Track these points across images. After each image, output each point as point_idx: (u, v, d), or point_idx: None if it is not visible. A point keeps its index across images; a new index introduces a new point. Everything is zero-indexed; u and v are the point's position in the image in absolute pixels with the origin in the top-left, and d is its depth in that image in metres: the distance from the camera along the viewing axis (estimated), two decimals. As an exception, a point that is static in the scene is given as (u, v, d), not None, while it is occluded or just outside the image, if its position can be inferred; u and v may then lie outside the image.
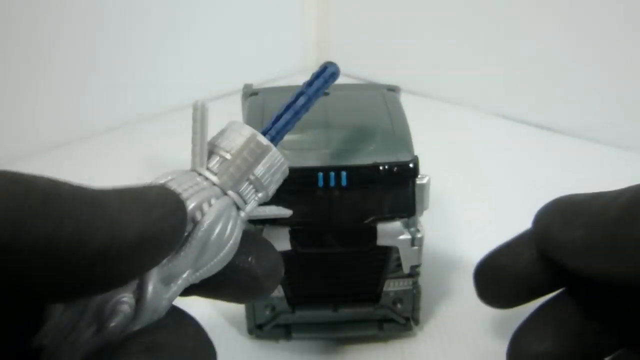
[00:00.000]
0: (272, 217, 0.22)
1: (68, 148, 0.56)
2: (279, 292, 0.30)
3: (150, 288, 0.17)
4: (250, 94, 0.32)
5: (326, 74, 0.24)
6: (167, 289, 0.18)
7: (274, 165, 0.21)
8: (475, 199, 0.46)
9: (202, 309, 0.34)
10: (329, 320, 0.31)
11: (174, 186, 0.18)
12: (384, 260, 0.30)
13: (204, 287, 0.19)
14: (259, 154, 0.20)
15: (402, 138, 0.28)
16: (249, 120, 0.30)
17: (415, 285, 0.31)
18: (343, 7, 0.75)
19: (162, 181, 0.19)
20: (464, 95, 0.65)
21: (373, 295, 0.31)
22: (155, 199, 0.16)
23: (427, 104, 0.66)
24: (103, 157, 0.55)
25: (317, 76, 0.24)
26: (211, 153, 0.20)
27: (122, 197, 0.16)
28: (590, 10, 0.54)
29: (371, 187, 0.27)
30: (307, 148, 0.27)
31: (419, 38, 0.68)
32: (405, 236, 0.28)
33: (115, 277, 0.16)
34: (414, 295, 0.31)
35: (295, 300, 0.31)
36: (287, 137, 0.28)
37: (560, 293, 0.26)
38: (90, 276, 0.15)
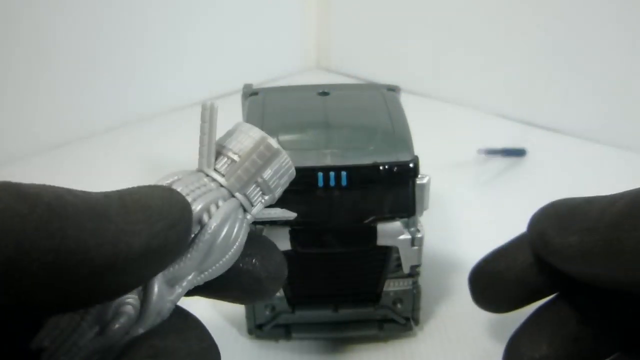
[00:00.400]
0: (277, 219, 0.22)
1: (68, 148, 0.56)
2: (279, 292, 0.30)
3: (155, 290, 0.17)
4: (250, 94, 0.32)
5: None
6: (172, 291, 0.18)
7: (281, 168, 0.21)
8: (475, 199, 0.46)
9: (202, 309, 0.34)
10: (329, 320, 0.31)
11: (180, 187, 0.18)
12: (384, 260, 0.30)
13: (207, 288, 0.19)
14: (269, 157, 0.20)
15: (402, 138, 0.28)
16: (249, 120, 0.30)
17: (415, 285, 0.31)
18: (343, 8, 0.75)
19: (168, 181, 0.19)
20: (464, 95, 0.65)
21: (373, 295, 0.31)
22: (160, 207, 0.16)
23: (427, 104, 0.66)
24: (103, 157, 0.55)
25: None
26: (218, 154, 0.20)
27: (126, 207, 0.16)
28: (590, 10, 0.54)
29: (371, 187, 0.27)
30: (307, 148, 0.27)
31: (419, 38, 0.68)
32: (405, 236, 0.28)
33: (120, 287, 0.16)
34: (414, 295, 0.31)
35: (295, 300, 0.31)
36: (287, 137, 0.28)
37: (556, 297, 0.26)
38: (95, 288, 0.15)
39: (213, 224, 0.18)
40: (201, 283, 0.19)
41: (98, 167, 0.52)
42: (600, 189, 0.23)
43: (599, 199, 0.22)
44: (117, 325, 0.16)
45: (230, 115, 0.41)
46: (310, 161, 0.27)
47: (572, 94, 0.57)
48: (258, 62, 0.72)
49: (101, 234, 0.14)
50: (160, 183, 0.19)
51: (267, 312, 0.31)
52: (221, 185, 0.19)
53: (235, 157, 0.20)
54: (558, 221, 0.23)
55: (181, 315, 0.19)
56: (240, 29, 0.70)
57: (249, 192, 0.20)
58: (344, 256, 0.29)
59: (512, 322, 0.33)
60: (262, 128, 0.28)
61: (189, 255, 0.18)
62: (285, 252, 0.28)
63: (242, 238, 0.19)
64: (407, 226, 0.28)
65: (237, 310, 0.32)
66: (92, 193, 0.15)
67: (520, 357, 0.25)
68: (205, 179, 0.19)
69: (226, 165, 0.20)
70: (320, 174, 0.26)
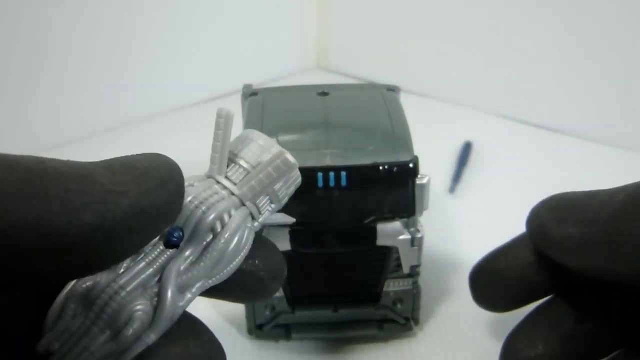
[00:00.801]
0: (277, 224, 0.22)
1: (68, 148, 0.56)
2: (279, 292, 0.30)
3: (168, 296, 0.17)
4: (250, 94, 0.32)
5: None
6: (182, 296, 0.18)
7: (291, 179, 0.21)
8: (475, 199, 0.46)
9: (202, 309, 0.34)
10: (329, 320, 0.31)
11: (192, 194, 0.18)
12: (384, 260, 0.30)
13: (210, 290, 0.19)
14: (284, 171, 0.20)
15: (402, 138, 0.28)
16: (249, 120, 0.30)
17: (415, 285, 0.31)
18: (343, 8, 0.75)
19: None
20: (464, 95, 0.65)
21: (373, 295, 0.31)
22: (148, 167, 0.16)
23: (427, 104, 0.66)
24: (103, 157, 0.54)
25: None
26: (230, 161, 0.20)
27: (112, 169, 0.15)
28: (590, 10, 0.54)
29: (371, 187, 0.27)
30: (307, 148, 0.27)
31: (419, 38, 0.68)
32: (405, 236, 0.28)
33: (111, 253, 0.15)
34: (414, 295, 0.31)
35: (295, 300, 0.31)
36: (287, 137, 0.28)
37: (554, 297, 0.25)
38: (87, 253, 0.14)
39: (226, 234, 0.19)
40: (207, 287, 0.19)
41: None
42: (600, 188, 0.23)
43: (598, 192, 0.22)
44: (130, 331, 0.16)
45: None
46: (310, 161, 0.27)
47: (572, 94, 0.57)
48: (258, 62, 0.72)
49: (87, 194, 0.14)
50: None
51: (267, 312, 0.31)
52: (232, 193, 0.20)
53: (248, 167, 0.20)
54: (558, 213, 0.23)
55: (189, 320, 0.19)
56: (240, 29, 0.70)
57: (258, 201, 0.20)
58: (344, 256, 0.29)
59: (511, 322, 0.33)
60: (261, 128, 0.28)
61: (202, 264, 0.18)
62: (285, 252, 0.28)
63: (249, 245, 0.19)
64: (407, 226, 0.28)
65: (237, 310, 0.32)
66: (77, 162, 0.15)
67: (516, 356, 0.24)
68: (217, 186, 0.20)
69: (238, 173, 0.20)
70: (320, 174, 0.26)
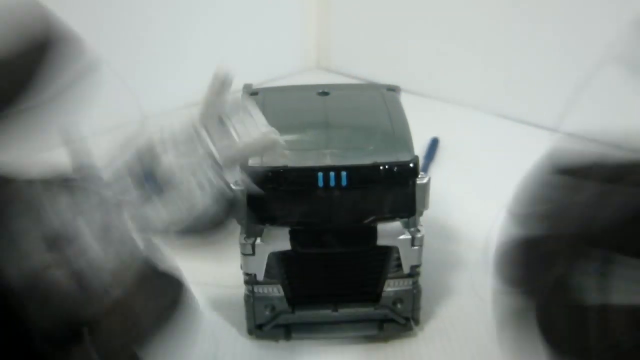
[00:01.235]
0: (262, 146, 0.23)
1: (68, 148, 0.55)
2: (279, 292, 0.30)
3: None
4: (250, 94, 0.33)
5: None
6: None
7: (275, 154, 0.23)
8: (475, 199, 0.46)
9: (202, 309, 0.34)
10: (329, 320, 0.31)
11: (174, 152, 0.20)
12: (384, 260, 0.30)
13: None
14: (269, 148, 0.21)
15: (402, 138, 0.28)
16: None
17: (415, 285, 0.31)
18: (343, 8, 0.75)
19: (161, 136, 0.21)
20: (464, 95, 0.65)
21: (373, 295, 0.31)
22: None
23: (427, 104, 0.66)
24: (102, 156, 0.55)
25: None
26: (221, 122, 0.21)
27: None
28: (590, 10, 0.54)
29: (371, 187, 0.27)
30: (307, 148, 0.27)
31: (418, 38, 0.68)
32: (406, 236, 0.28)
33: None
34: (414, 295, 0.31)
35: (295, 300, 0.31)
36: (287, 137, 0.28)
37: None
38: None
39: (204, 205, 0.21)
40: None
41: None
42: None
43: None
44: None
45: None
46: (310, 161, 0.27)
47: (572, 94, 0.57)
48: (258, 62, 0.72)
49: None
50: (152, 137, 0.21)
51: (267, 312, 0.31)
52: (213, 157, 0.21)
53: (236, 137, 0.21)
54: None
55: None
56: (240, 29, 0.70)
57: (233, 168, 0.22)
58: (344, 256, 0.29)
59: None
60: (262, 128, 0.28)
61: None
62: (285, 252, 0.28)
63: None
64: (407, 226, 0.28)
65: (237, 310, 0.32)
66: None
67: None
68: (198, 145, 0.21)
69: (224, 138, 0.21)
70: (320, 174, 0.26)
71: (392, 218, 0.28)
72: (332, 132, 0.28)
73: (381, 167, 0.26)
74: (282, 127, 0.28)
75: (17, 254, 0.17)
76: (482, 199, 0.46)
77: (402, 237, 0.28)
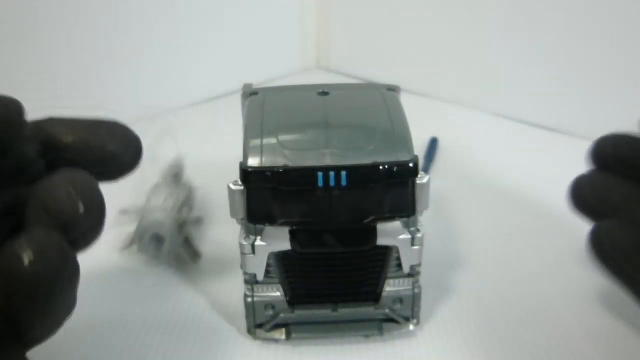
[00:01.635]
0: None
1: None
2: (279, 292, 0.30)
3: None
4: (250, 93, 0.32)
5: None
6: None
7: None
8: (475, 199, 0.46)
9: (202, 309, 0.34)
10: (329, 320, 0.31)
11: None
12: (384, 260, 0.30)
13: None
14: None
15: (402, 138, 0.28)
16: (249, 120, 0.30)
17: (416, 285, 0.31)
18: (343, 7, 0.75)
19: None
20: (464, 95, 0.65)
21: (373, 295, 0.31)
22: None
23: (427, 104, 0.66)
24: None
25: None
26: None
27: None
28: (590, 10, 0.54)
29: (371, 187, 0.27)
30: (307, 148, 0.27)
31: (418, 38, 0.68)
32: (406, 236, 0.28)
33: None
34: (414, 295, 0.31)
35: (295, 300, 0.31)
36: (287, 137, 0.28)
37: None
38: None
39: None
40: None
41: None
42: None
43: None
44: None
45: (231, 115, 0.41)
46: (310, 161, 0.27)
47: (572, 94, 0.57)
48: (258, 62, 0.72)
49: None
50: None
51: (267, 312, 0.31)
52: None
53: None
54: None
55: None
56: (240, 29, 0.70)
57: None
58: (344, 256, 0.29)
59: (512, 323, 0.33)
60: (262, 128, 0.28)
61: None
62: (285, 252, 0.28)
63: None
64: (407, 226, 0.28)
65: (237, 310, 0.32)
66: None
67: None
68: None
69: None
70: (320, 174, 0.26)
71: (392, 218, 0.28)
72: (332, 132, 0.28)
73: (381, 167, 0.26)
74: (282, 127, 0.29)
75: None
76: (482, 199, 0.46)
77: (402, 237, 0.28)
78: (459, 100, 0.65)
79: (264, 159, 0.27)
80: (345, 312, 0.31)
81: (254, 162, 0.27)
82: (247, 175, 0.27)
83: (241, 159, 0.27)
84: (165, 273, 0.37)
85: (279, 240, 0.28)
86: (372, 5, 0.71)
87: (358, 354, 0.31)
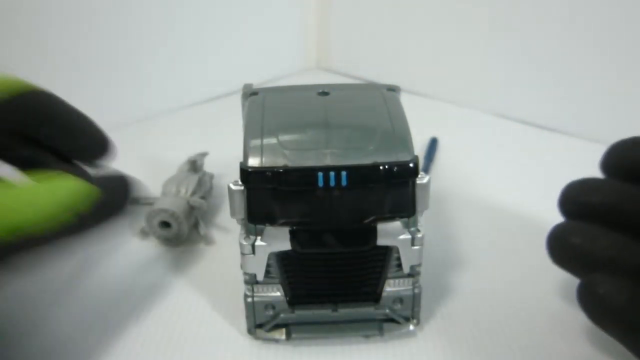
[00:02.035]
0: None
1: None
2: (279, 292, 0.30)
3: None
4: (250, 94, 0.32)
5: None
6: None
7: None
8: (475, 199, 0.46)
9: (202, 309, 0.34)
10: (329, 320, 0.31)
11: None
12: (384, 260, 0.30)
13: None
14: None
15: (402, 138, 0.28)
16: (249, 120, 0.30)
17: (416, 285, 0.31)
18: (343, 8, 0.75)
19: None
20: (464, 95, 0.65)
21: (373, 295, 0.31)
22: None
23: (427, 104, 0.66)
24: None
25: None
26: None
27: None
28: (590, 10, 0.54)
29: (371, 187, 0.27)
30: (307, 148, 0.27)
31: (418, 38, 0.68)
32: (406, 236, 0.28)
33: None
34: (414, 295, 0.31)
35: (295, 300, 0.31)
36: (287, 137, 0.28)
37: None
38: None
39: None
40: None
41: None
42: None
43: None
44: None
45: (231, 115, 0.41)
46: (310, 161, 0.27)
47: (573, 94, 0.57)
48: (258, 62, 0.72)
49: None
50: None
51: (267, 312, 0.31)
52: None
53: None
54: None
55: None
56: (240, 29, 0.70)
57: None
58: (344, 256, 0.29)
59: (511, 323, 0.33)
60: (262, 128, 0.28)
61: None
62: (285, 252, 0.28)
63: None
64: (407, 226, 0.28)
65: (237, 310, 0.32)
66: None
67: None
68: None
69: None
70: (320, 174, 0.26)
71: (392, 218, 0.28)
72: (332, 132, 0.28)
73: (381, 167, 0.26)
74: (282, 127, 0.29)
75: None
76: (482, 199, 0.46)
77: (402, 237, 0.28)
78: (459, 100, 0.65)
79: (264, 159, 0.27)
80: (345, 312, 0.31)
81: (254, 162, 0.27)
82: (247, 175, 0.27)
83: (241, 159, 0.27)
84: (165, 273, 0.37)
85: (279, 240, 0.28)
86: (372, 6, 0.71)
87: (358, 354, 0.31)
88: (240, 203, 0.27)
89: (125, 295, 0.35)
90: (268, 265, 0.29)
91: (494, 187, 0.48)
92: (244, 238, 0.28)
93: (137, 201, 0.37)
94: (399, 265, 0.30)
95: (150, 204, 0.39)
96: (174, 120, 0.63)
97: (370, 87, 0.36)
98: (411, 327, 0.32)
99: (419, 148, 0.52)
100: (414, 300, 0.31)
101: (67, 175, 0.26)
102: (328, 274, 0.30)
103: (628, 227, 0.28)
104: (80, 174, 0.28)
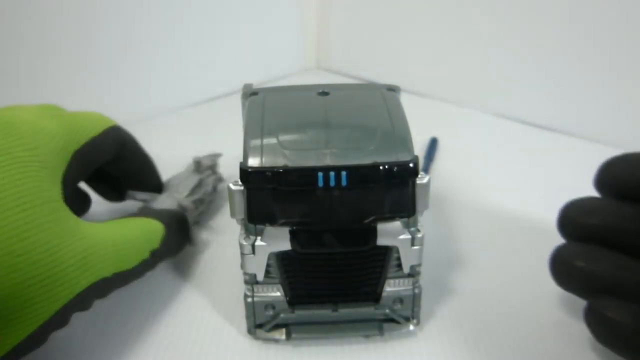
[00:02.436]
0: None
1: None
2: (279, 292, 0.30)
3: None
4: (250, 94, 0.32)
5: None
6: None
7: None
8: (475, 199, 0.46)
9: (202, 309, 0.34)
10: (329, 320, 0.31)
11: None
12: (384, 260, 0.30)
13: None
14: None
15: (402, 138, 0.28)
16: (249, 120, 0.30)
17: (416, 285, 0.31)
18: (342, 7, 0.75)
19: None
20: (464, 95, 0.65)
21: (373, 295, 0.31)
22: None
23: (427, 104, 0.66)
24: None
25: None
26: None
27: None
28: (590, 9, 0.54)
29: (371, 187, 0.27)
30: (307, 148, 0.27)
31: (418, 38, 0.68)
32: (406, 236, 0.28)
33: None
34: (414, 295, 0.31)
35: (295, 300, 0.31)
36: (287, 137, 0.28)
37: None
38: None
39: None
40: None
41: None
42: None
43: None
44: None
45: (230, 115, 0.41)
46: (310, 161, 0.27)
47: (573, 94, 0.57)
48: (258, 62, 0.72)
49: None
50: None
51: (267, 312, 0.31)
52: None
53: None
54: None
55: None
56: (240, 29, 0.70)
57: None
58: (344, 256, 0.29)
59: (511, 323, 0.33)
60: (262, 128, 0.28)
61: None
62: (285, 252, 0.28)
63: None
64: (407, 226, 0.28)
65: (237, 310, 0.32)
66: None
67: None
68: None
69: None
70: (320, 174, 0.26)
71: (392, 218, 0.28)
72: (332, 132, 0.28)
73: (381, 167, 0.26)
74: (282, 127, 0.29)
75: None
76: (482, 199, 0.46)
77: (402, 237, 0.28)
78: (459, 100, 0.65)
79: (264, 159, 0.27)
80: (345, 312, 0.31)
81: (254, 162, 0.27)
82: (247, 175, 0.27)
83: (241, 159, 0.27)
84: (165, 272, 0.37)
85: (279, 240, 0.28)
86: (372, 6, 0.71)
87: (358, 354, 0.31)
88: (240, 203, 0.27)
89: (123, 295, 0.35)
90: (268, 265, 0.29)
91: (494, 187, 0.48)
92: (244, 238, 0.28)
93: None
94: (399, 265, 0.30)
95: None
96: (174, 120, 0.63)
97: (370, 87, 0.36)
98: (411, 327, 0.32)
99: (419, 148, 0.52)
100: (414, 300, 0.31)
101: (148, 217, 0.32)
102: (328, 274, 0.30)
103: (628, 246, 0.28)
104: (152, 214, 0.33)
